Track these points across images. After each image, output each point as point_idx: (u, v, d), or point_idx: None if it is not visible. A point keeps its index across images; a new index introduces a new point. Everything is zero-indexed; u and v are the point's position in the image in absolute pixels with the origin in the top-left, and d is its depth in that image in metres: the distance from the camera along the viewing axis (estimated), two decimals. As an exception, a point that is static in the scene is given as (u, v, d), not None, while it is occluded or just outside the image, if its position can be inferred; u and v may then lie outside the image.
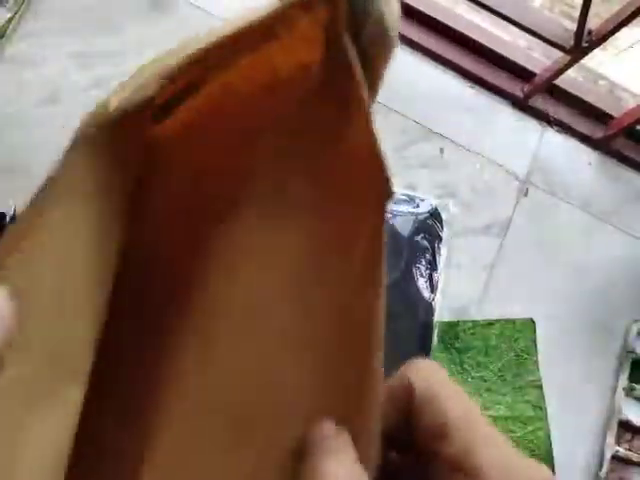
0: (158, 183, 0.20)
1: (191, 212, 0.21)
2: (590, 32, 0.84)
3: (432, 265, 0.92)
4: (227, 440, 0.20)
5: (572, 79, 1.06)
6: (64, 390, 0.17)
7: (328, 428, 0.19)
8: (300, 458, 0.19)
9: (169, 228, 0.21)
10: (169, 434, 0.20)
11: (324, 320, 0.20)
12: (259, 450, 0.20)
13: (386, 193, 0.18)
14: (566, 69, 0.93)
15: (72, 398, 0.17)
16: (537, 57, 1.07)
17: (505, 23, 0.91)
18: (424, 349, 0.89)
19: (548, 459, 0.90)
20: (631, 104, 1.06)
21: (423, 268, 0.91)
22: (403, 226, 0.90)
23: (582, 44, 0.85)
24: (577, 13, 0.81)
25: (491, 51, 1.03)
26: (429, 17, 1.02)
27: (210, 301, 0.20)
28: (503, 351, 0.93)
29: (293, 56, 0.18)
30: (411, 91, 1.02)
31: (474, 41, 1.03)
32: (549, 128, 1.06)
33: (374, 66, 0.17)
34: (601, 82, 1.14)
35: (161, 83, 0.16)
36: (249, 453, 0.20)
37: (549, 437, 0.91)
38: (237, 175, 0.20)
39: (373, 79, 0.17)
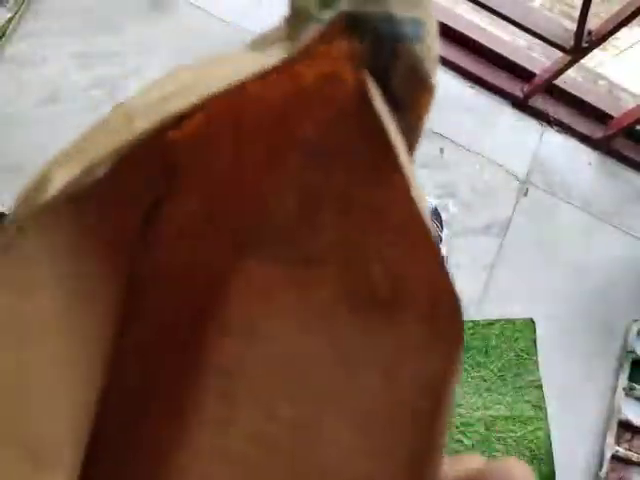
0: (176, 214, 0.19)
1: (207, 247, 0.20)
2: (590, 32, 0.84)
3: (432, 265, 0.92)
4: None
5: (572, 79, 1.06)
6: None
7: None
8: None
9: (184, 271, 0.20)
10: None
11: (369, 377, 0.18)
12: None
13: (431, 243, 0.15)
14: (566, 69, 0.93)
15: None
16: (537, 57, 1.07)
17: (505, 23, 0.91)
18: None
19: (548, 459, 0.90)
20: (631, 104, 1.06)
21: (423, 268, 0.91)
22: (403, 226, 0.90)
23: (582, 44, 0.85)
24: (577, 13, 0.81)
25: (491, 51, 1.03)
26: (429, 17, 1.02)
27: (228, 357, 0.19)
28: (503, 351, 0.93)
29: (316, 67, 0.17)
30: (411, 91, 1.02)
31: (474, 41, 1.03)
32: (549, 128, 1.06)
33: (410, 106, 0.16)
34: (601, 82, 1.14)
35: (115, 159, 0.13)
36: None
37: (549, 437, 0.91)
38: (258, 202, 0.19)
39: (411, 119, 0.16)
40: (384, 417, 0.18)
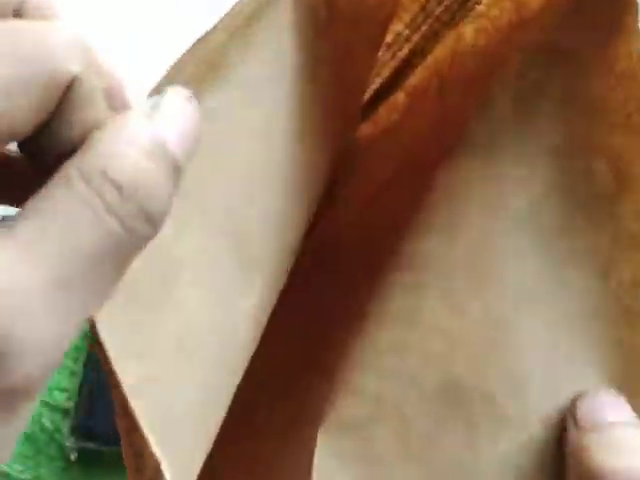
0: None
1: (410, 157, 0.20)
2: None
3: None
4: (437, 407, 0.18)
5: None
6: (243, 286, 0.17)
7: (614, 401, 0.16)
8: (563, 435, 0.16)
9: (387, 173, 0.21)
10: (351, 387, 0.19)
11: (578, 277, 0.17)
12: (471, 421, 0.18)
13: None
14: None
15: (249, 304, 0.17)
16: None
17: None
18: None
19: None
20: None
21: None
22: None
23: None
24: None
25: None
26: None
27: (421, 256, 0.19)
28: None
29: None
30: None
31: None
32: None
33: None
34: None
35: None
36: (459, 425, 0.18)
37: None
38: (457, 119, 0.19)
39: None
40: (592, 318, 0.17)
